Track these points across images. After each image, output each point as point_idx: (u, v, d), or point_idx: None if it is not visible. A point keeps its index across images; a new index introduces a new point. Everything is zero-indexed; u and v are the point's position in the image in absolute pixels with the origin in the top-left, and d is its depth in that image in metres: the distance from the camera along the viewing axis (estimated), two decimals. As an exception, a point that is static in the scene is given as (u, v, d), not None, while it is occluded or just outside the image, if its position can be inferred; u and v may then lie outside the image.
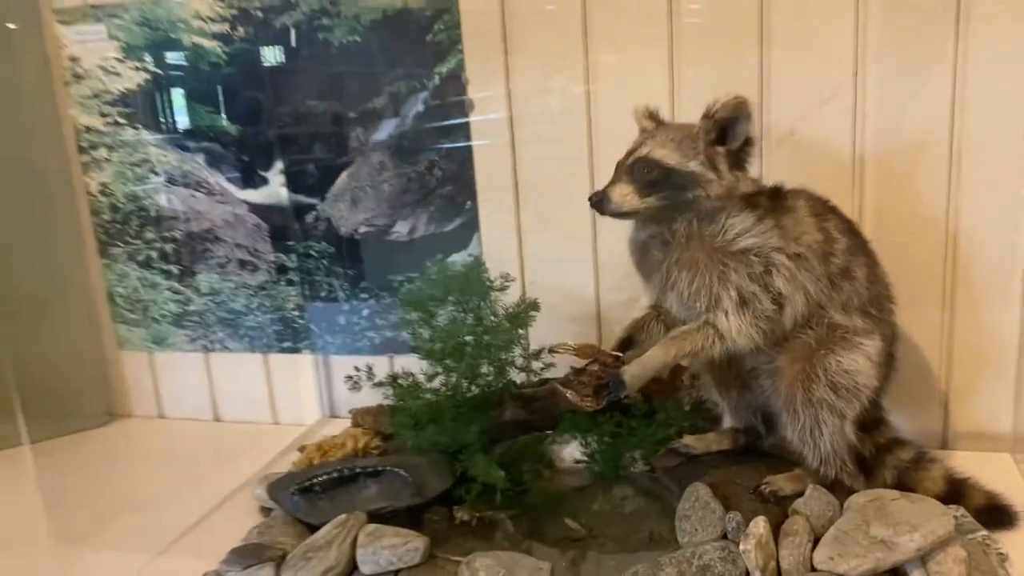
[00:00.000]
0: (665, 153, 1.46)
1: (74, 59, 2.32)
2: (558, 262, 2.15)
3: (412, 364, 1.82)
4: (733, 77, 1.91)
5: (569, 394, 1.52)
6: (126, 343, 2.53)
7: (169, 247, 2.40)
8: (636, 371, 1.49)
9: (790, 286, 1.48)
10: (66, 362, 2.49)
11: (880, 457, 1.67)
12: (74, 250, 2.48)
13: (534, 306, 1.74)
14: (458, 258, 2.21)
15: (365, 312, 2.31)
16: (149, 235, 2.41)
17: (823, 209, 1.56)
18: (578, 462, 1.91)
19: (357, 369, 1.83)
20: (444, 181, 2.17)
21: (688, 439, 1.79)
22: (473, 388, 1.78)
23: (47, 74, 2.34)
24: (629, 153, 1.51)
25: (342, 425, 2.22)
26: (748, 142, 1.47)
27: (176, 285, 2.43)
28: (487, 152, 2.12)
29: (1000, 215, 1.83)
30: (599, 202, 1.46)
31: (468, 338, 1.70)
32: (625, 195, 1.46)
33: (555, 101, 2.05)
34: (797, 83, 1.88)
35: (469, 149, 2.13)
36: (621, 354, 1.54)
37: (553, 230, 2.14)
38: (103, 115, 2.34)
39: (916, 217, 1.87)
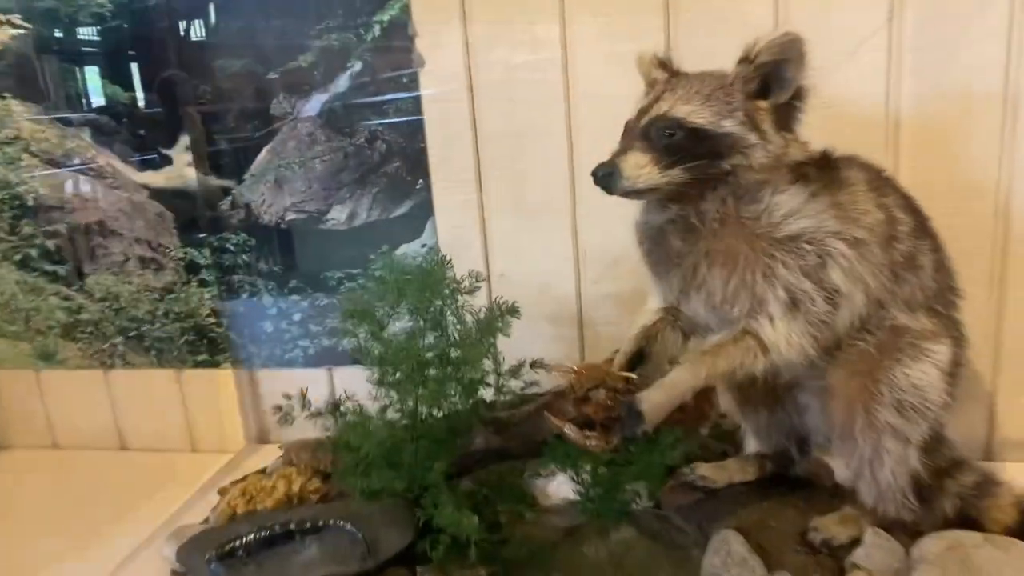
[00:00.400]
0: (691, 110, 1.11)
1: (-82, 11, 1.86)
2: (530, 251, 1.79)
3: (357, 378, 1.43)
4: (740, 21, 1.56)
5: (567, 430, 1.17)
6: (4, 360, 2.08)
7: (52, 243, 1.97)
8: (656, 398, 1.15)
9: (849, 281, 1.15)
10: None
11: (939, 483, 1.35)
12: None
13: (512, 311, 1.37)
14: (409, 249, 1.83)
15: (296, 317, 1.91)
16: (27, 230, 1.96)
17: (880, 181, 1.23)
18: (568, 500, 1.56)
19: (287, 397, 1.44)
20: (389, 156, 1.78)
21: (703, 468, 1.46)
22: (436, 414, 1.41)
23: None
24: (642, 112, 1.15)
25: (273, 452, 1.84)
26: (799, 94, 1.13)
27: (64, 289, 2.00)
28: (441, 119, 1.74)
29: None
30: (606, 177, 1.10)
31: (429, 355, 1.33)
32: (641, 167, 1.10)
33: (524, 54, 1.67)
34: (819, 29, 1.52)
35: (419, 116, 1.74)
36: (634, 375, 1.19)
37: (523, 212, 1.77)
38: (-41, 82, 1.89)
39: (961, 187, 1.56)
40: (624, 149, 1.12)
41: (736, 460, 1.47)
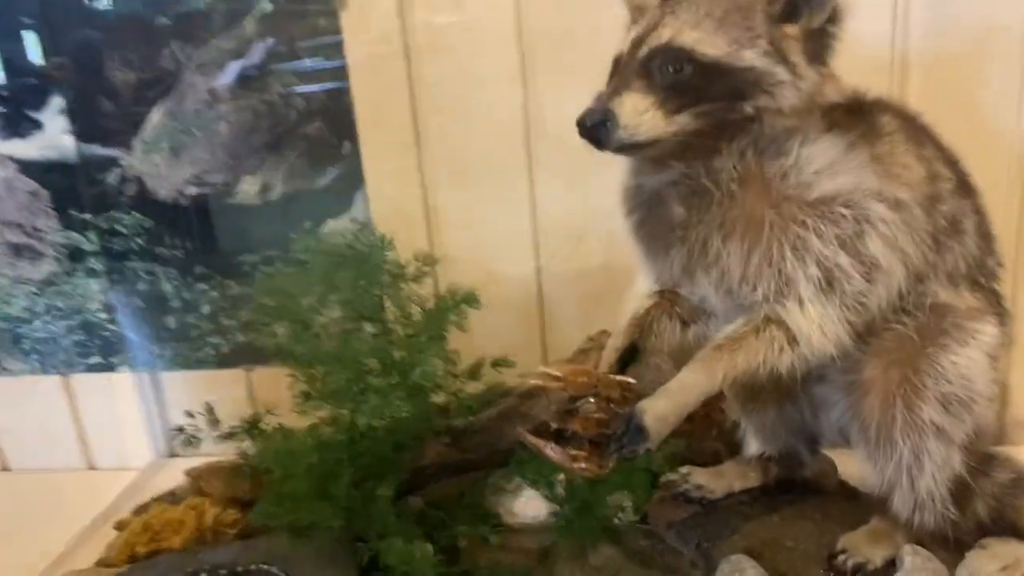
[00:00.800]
0: (702, 38, 0.86)
1: None
2: (480, 224, 1.53)
3: (281, 380, 1.16)
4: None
5: (550, 451, 0.92)
6: None
7: (-102, 230, 1.62)
8: (663, 408, 0.91)
9: (889, 252, 0.92)
10: None
11: (974, 482, 1.15)
12: None
13: (469, 300, 1.11)
14: (336, 226, 1.55)
15: (205, 309, 1.62)
16: None
17: (917, 129, 1.01)
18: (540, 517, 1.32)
19: (190, 415, 1.16)
20: (309, 116, 1.50)
21: (699, 475, 1.24)
22: (377, 425, 1.14)
23: None
24: (637, 43, 0.89)
25: (185, 467, 1.56)
26: (835, 16, 0.89)
27: (-82, 285, 1.66)
28: (370, 70, 1.46)
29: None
30: (597, 127, 0.85)
31: (369, 360, 1.07)
32: (642, 112, 0.85)
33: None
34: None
35: (343, 68, 1.46)
36: (632, 380, 0.95)
37: (472, 179, 1.51)
38: None
39: (974, 134, 1.35)
40: (618, 90, 0.86)
41: (735, 464, 1.25)
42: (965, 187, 1.03)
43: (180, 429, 1.17)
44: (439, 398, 1.22)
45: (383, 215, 1.54)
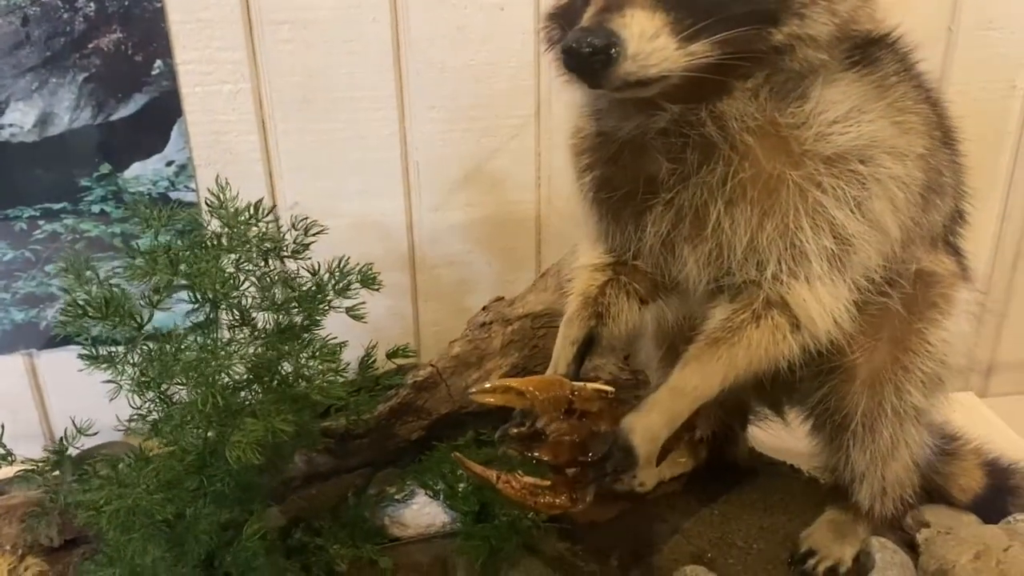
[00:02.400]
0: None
1: None
2: (338, 166, 1.24)
3: (72, 363, 0.84)
4: None
5: (504, 484, 0.70)
6: None
7: None
8: (654, 424, 0.72)
9: (891, 214, 0.77)
10: None
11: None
12: None
13: (366, 279, 0.85)
14: (145, 170, 1.20)
15: (-36, 280, 1.22)
16: None
17: (915, 69, 0.85)
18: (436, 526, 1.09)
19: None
20: (102, 23, 1.12)
21: (626, 467, 1.06)
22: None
23: None
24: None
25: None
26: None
27: None
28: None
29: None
30: (596, 57, 0.61)
31: (238, 370, 0.78)
32: (652, 36, 0.61)
33: None
34: None
35: (150, -43, 1.10)
36: (610, 388, 0.74)
37: (324, 108, 1.21)
38: None
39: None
40: (618, 5, 0.62)
41: (664, 448, 1.09)
42: (949, 137, 0.90)
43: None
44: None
45: (209, 156, 1.21)
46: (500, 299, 1.17)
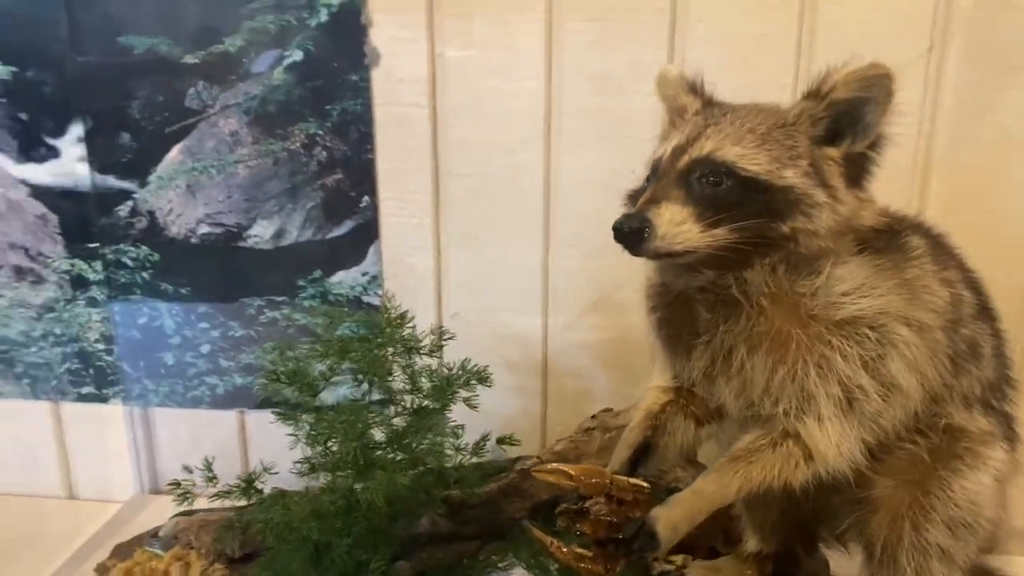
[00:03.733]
0: (744, 153, 0.86)
1: None
2: (490, 286, 1.53)
3: (274, 426, 1.14)
4: (761, 36, 1.34)
5: (555, 548, 0.91)
6: None
7: (-98, 243, 1.60)
8: (676, 516, 0.90)
9: (909, 373, 0.93)
10: None
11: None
12: None
13: (481, 377, 1.11)
14: (347, 277, 1.54)
15: (205, 349, 1.60)
16: None
17: (941, 250, 1.01)
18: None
19: (188, 470, 1.14)
20: (330, 166, 1.49)
21: (695, 569, 1.22)
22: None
23: None
24: (678, 151, 0.90)
25: (168, 506, 1.53)
26: (876, 142, 0.89)
27: (-86, 299, 1.63)
28: (396, 127, 1.46)
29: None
30: (634, 234, 0.85)
31: (378, 434, 1.05)
32: (679, 223, 0.85)
33: (499, 56, 1.41)
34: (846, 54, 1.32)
35: (369, 120, 1.46)
36: (645, 484, 0.94)
37: (485, 241, 1.51)
38: None
39: (997, 246, 1.37)
40: (656, 198, 0.86)
41: (732, 560, 1.24)
42: (985, 311, 1.04)
43: (177, 484, 1.15)
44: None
45: (395, 270, 1.53)
46: (608, 410, 1.38)
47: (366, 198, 1.50)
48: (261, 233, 1.54)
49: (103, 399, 1.66)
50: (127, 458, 1.69)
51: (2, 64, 1.49)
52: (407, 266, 1.53)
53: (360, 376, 1.06)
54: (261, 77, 1.45)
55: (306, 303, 1.56)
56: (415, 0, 1.38)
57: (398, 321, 1.09)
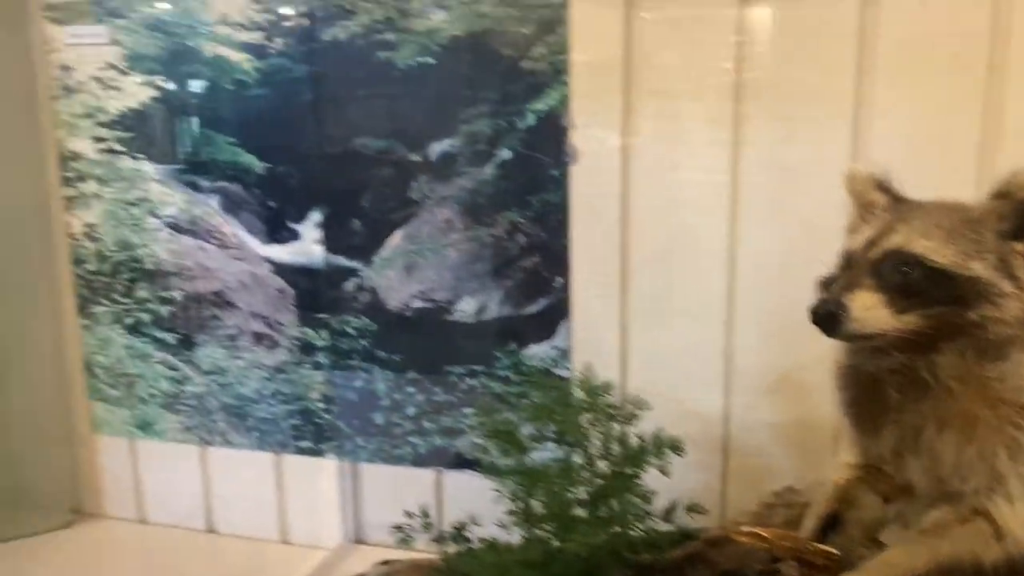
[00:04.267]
0: (933, 246, 0.94)
1: (65, 68, 1.83)
2: (674, 365, 1.63)
3: (467, 485, 1.28)
4: (945, 134, 1.40)
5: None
6: (103, 425, 2.00)
7: (166, 310, 1.89)
8: (865, 584, 0.96)
9: None
10: (23, 442, 1.96)
11: None
12: (46, 305, 1.96)
13: (675, 446, 1.20)
14: (539, 351, 1.69)
15: (410, 411, 1.78)
16: (142, 293, 1.89)
17: None
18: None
19: (409, 515, 1.29)
20: (529, 250, 1.66)
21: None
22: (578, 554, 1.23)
23: (30, 85, 1.85)
24: (870, 243, 0.99)
25: (370, 554, 1.70)
26: (1062, 240, 0.95)
27: (171, 358, 1.91)
28: (590, 217, 1.61)
29: None
30: (830, 317, 0.94)
31: (580, 492, 1.17)
32: (870, 308, 0.93)
33: (689, 152, 1.54)
34: None
35: (565, 209, 1.62)
36: (836, 551, 1.00)
37: (669, 320, 1.61)
38: (96, 139, 1.85)
39: None
40: (850, 285, 0.95)
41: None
42: None
43: (399, 528, 1.30)
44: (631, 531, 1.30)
45: (583, 346, 1.66)
46: (790, 488, 1.44)
47: (559, 278, 1.65)
48: (465, 308, 1.72)
49: (319, 453, 1.86)
50: (335, 508, 1.88)
51: (259, 160, 1.77)
52: (595, 342, 1.66)
53: (562, 438, 1.19)
54: (474, 173, 1.64)
55: (500, 373, 1.71)
56: (611, 103, 1.54)
57: (600, 389, 1.21)
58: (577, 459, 1.25)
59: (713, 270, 1.57)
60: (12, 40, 1.84)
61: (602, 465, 1.25)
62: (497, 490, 1.26)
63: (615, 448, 1.26)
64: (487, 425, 1.22)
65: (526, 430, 1.23)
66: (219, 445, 1.93)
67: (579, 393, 1.23)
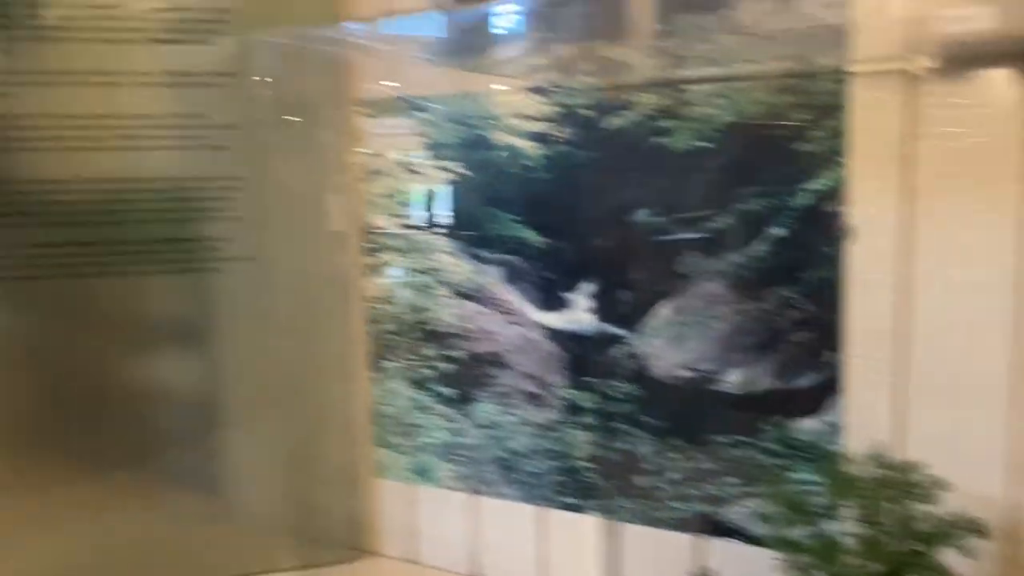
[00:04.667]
0: None
1: (374, 155, 2.11)
2: (951, 447, 1.60)
3: (725, 554, 1.33)
4: None
5: None
6: (385, 470, 2.22)
7: (448, 367, 2.09)
8: None
9: None
10: (314, 480, 2.22)
11: None
12: (341, 359, 2.23)
13: (975, 527, 1.21)
14: (806, 424, 1.72)
15: (674, 476, 1.85)
16: (427, 351, 2.11)
17: None
18: None
19: (704, 573, 1.37)
20: (798, 325, 1.71)
21: None
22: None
23: (342, 170, 2.15)
24: None
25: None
26: None
27: (449, 411, 2.11)
28: (865, 294, 1.64)
29: None
30: None
31: (873, 566, 1.20)
32: None
33: (971, 237, 1.54)
34: None
35: (838, 288, 1.66)
36: None
37: (949, 401, 1.60)
38: (395, 216, 2.11)
39: None
40: None
41: None
42: None
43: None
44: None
45: (856, 423, 1.67)
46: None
47: (827, 355, 1.69)
48: (731, 380, 1.78)
49: (580, 509, 1.98)
50: (592, 564, 1.98)
51: (538, 235, 1.94)
52: (868, 419, 1.67)
53: (860, 513, 1.22)
54: (745, 250, 1.73)
55: (767, 445, 1.75)
56: (890, 185, 1.58)
57: (902, 467, 1.24)
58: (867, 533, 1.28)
59: (997, 348, 1.55)
60: (327, 133, 2.15)
61: (893, 543, 1.28)
62: (781, 559, 1.31)
63: (915, 525, 1.28)
64: (779, 496, 1.28)
65: (820, 501, 1.28)
66: (488, 495, 2.09)
67: (873, 469, 1.27)
